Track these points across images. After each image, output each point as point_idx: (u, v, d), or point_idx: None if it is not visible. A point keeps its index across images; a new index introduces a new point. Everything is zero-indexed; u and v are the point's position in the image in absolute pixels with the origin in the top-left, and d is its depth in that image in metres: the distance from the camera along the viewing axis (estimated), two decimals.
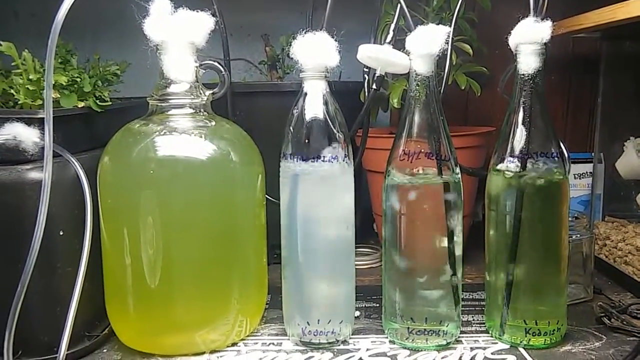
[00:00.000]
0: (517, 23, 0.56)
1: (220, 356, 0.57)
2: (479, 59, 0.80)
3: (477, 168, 0.80)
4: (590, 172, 0.92)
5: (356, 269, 0.61)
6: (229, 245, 0.58)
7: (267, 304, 0.67)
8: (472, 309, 0.67)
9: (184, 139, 0.56)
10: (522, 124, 0.56)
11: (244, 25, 1.02)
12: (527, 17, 0.56)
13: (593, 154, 0.88)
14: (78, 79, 0.63)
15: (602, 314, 0.62)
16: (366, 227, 0.93)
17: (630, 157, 0.80)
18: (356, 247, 0.61)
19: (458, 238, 0.57)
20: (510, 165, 0.57)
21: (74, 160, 0.57)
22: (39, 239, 0.50)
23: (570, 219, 0.66)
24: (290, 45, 0.56)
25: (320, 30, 0.57)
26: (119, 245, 0.56)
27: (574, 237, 0.67)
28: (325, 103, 0.57)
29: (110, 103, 0.66)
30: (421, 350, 0.57)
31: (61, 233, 0.55)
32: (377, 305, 0.68)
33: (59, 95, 0.62)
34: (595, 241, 0.79)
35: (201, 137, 0.56)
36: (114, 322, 0.60)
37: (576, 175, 0.93)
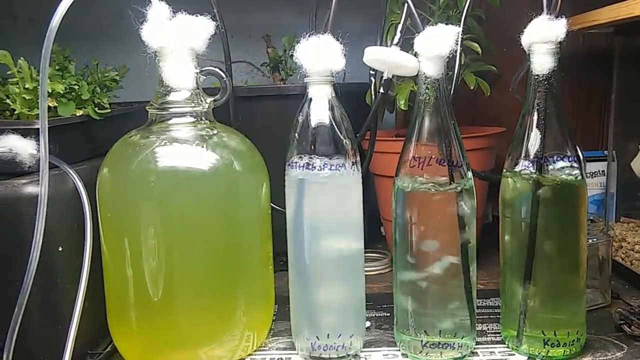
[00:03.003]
0: (526, 20, 0.54)
1: None
2: (487, 57, 0.78)
3: (488, 171, 0.77)
4: (602, 171, 0.90)
5: (365, 276, 0.59)
6: (234, 256, 0.56)
7: (274, 315, 0.65)
8: (486, 317, 0.65)
9: (185, 149, 0.54)
10: (537, 126, 0.54)
11: (244, 26, 1.00)
12: (539, 15, 0.54)
13: (606, 152, 0.86)
14: (76, 87, 0.62)
15: (622, 322, 0.60)
16: (374, 231, 0.91)
17: None
18: (364, 253, 0.59)
19: (472, 245, 0.55)
20: (525, 169, 0.54)
21: (72, 172, 0.55)
22: (36, 257, 0.48)
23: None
24: (293, 46, 0.54)
25: (325, 32, 0.55)
26: (120, 259, 0.54)
27: (590, 241, 0.65)
28: (331, 108, 0.54)
29: (110, 110, 0.64)
30: None
31: (60, 249, 0.53)
32: (388, 314, 0.66)
33: (57, 104, 0.60)
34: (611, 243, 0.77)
35: (203, 146, 0.54)
36: (116, 339, 0.58)
37: (588, 174, 0.91)
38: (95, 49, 0.94)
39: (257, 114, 0.79)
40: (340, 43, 0.54)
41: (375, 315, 0.67)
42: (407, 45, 0.58)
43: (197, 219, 0.53)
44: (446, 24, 0.53)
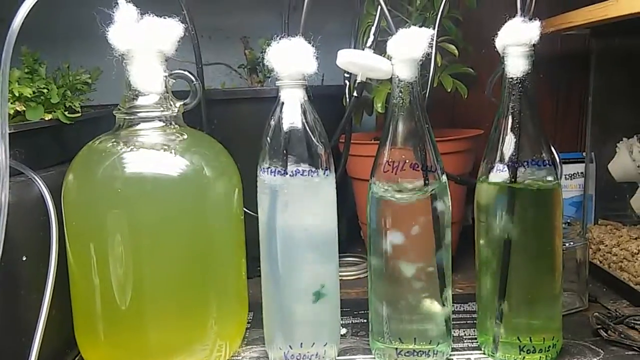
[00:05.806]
0: (503, 22, 0.53)
1: None
2: (465, 59, 0.78)
3: (465, 174, 0.77)
4: (581, 173, 0.90)
5: (342, 280, 0.58)
6: (205, 264, 0.55)
7: (248, 322, 0.64)
8: (463, 323, 0.64)
9: (153, 154, 0.53)
10: (512, 130, 0.53)
11: (221, 28, 0.99)
12: (514, 17, 0.53)
13: (584, 154, 0.86)
14: (45, 90, 0.60)
15: (599, 326, 0.59)
16: (352, 235, 0.90)
17: (623, 159, 0.77)
18: (342, 257, 0.58)
19: (447, 251, 0.55)
20: (500, 173, 0.54)
21: (37, 178, 0.53)
22: None
23: (562, 225, 0.63)
24: (266, 50, 0.53)
25: (297, 35, 0.54)
26: (87, 268, 0.52)
27: (567, 244, 0.64)
28: (304, 112, 0.53)
29: (81, 114, 0.62)
30: None
31: (24, 258, 0.51)
32: (365, 320, 0.65)
33: (25, 108, 0.59)
34: (589, 246, 0.76)
35: (172, 152, 0.53)
36: (84, 351, 0.56)
37: (567, 176, 0.91)
38: (70, 51, 0.92)
39: (234, 117, 0.77)
40: (313, 46, 0.53)
41: (352, 322, 0.65)
42: (382, 48, 0.57)
43: (166, 227, 0.52)
44: (420, 26, 0.53)
